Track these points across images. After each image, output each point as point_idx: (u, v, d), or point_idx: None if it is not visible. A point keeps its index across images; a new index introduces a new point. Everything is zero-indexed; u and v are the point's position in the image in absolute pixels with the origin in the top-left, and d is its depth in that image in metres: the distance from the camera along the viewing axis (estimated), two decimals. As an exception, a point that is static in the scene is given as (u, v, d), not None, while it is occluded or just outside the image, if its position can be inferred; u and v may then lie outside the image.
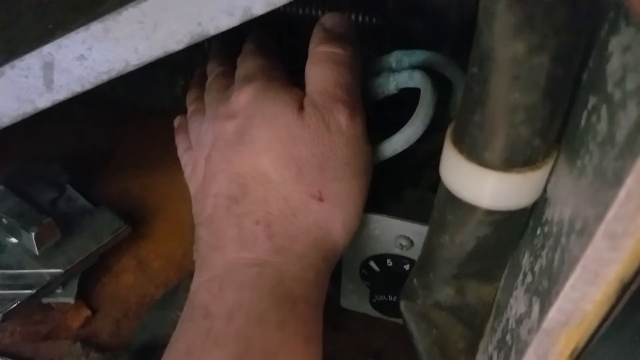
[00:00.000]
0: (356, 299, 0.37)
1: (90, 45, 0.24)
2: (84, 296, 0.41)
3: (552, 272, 0.17)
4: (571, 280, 0.15)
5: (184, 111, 0.37)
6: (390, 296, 0.33)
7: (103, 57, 0.24)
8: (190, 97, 0.37)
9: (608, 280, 0.15)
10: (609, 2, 0.16)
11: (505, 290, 0.23)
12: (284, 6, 0.22)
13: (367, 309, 0.36)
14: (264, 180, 0.27)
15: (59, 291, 0.40)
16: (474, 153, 0.19)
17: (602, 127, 0.15)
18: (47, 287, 0.39)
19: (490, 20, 0.16)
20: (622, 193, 0.13)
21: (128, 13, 0.23)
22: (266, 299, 0.25)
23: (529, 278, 0.20)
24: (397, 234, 0.31)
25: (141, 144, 0.50)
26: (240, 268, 0.26)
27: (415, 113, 0.29)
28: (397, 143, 0.30)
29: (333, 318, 0.39)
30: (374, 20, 0.35)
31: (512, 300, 0.21)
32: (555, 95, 0.17)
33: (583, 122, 0.17)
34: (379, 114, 0.31)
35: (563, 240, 0.17)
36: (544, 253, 0.18)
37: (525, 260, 0.21)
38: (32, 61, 0.24)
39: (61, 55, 0.24)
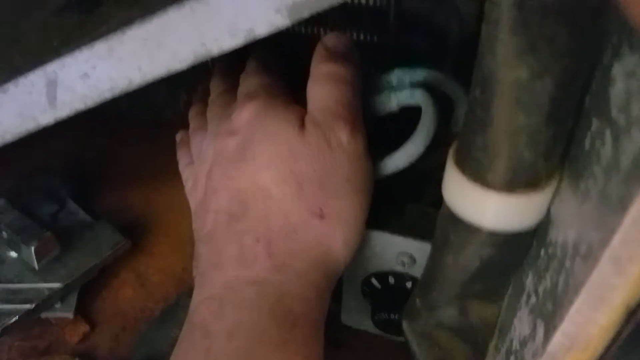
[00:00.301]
0: (358, 317, 0.37)
1: (94, 64, 0.24)
2: (83, 311, 0.41)
3: (556, 295, 0.17)
4: (576, 305, 0.15)
5: (186, 126, 0.37)
6: (392, 314, 0.32)
7: (106, 75, 0.24)
8: (192, 112, 0.37)
9: (614, 306, 0.15)
10: (612, 26, 0.16)
11: (508, 310, 0.23)
12: (287, 25, 0.22)
13: (369, 326, 0.35)
14: (264, 196, 0.27)
15: (57, 306, 0.40)
16: (477, 174, 0.19)
17: (607, 151, 0.15)
18: (46, 301, 0.38)
19: (493, 44, 0.16)
20: (628, 219, 0.13)
21: (132, 33, 0.23)
22: (266, 318, 0.25)
23: (532, 299, 0.20)
24: (398, 250, 0.31)
25: (143, 158, 0.50)
26: (240, 286, 0.26)
27: (416, 130, 0.29)
28: (398, 160, 0.30)
29: (334, 335, 0.38)
30: (375, 38, 0.35)
31: (515, 321, 0.21)
32: (559, 118, 0.17)
33: (587, 144, 0.17)
34: (381, 131, 0.31)
35: (567, 263, 0.17)
36: (548, 275, 0.18)
37: (529, 281, 0.20)
38: (36, 79, 0.24)
39: (65, 73, 0.24)
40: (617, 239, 0.14)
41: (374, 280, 0.34)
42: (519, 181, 0.18)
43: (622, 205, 0.13)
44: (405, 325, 0.27)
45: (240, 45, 0.23)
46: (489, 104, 0.17)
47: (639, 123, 0.13)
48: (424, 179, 0.32)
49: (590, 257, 0.15)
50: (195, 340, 0.25)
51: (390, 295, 0.33)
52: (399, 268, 0.32)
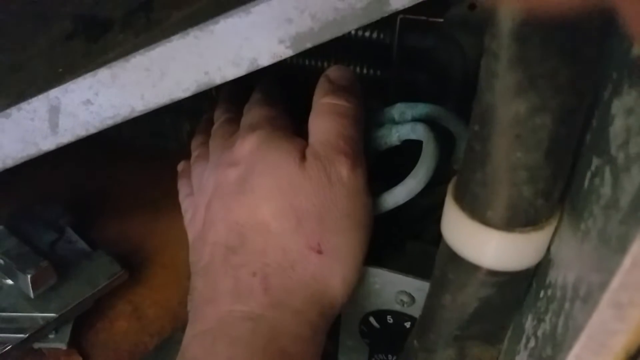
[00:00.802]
0: (355, 358, 0.36)
1: (97, 91, 0.24)
2: (76, 342, 0.40)
3: (556, 338, 0.16)
4: (576, 349, 0.15)
5: (188, 156, 0.37)
6: (390, 355, 0.31)
7: (109, 102, 0.24)
8: (195, 142, 0.37)
9: (614, 351, 0.14)
10: (612, 62, 0.16)
11: (508, 353, 0.22)
12: (290, 57, 0.23)
13: (366, 367, 0.34)
14: (263, 230, 0.27)
15: (51, 336, 0.39)
16: (476, 211, 0.18)
17: (606, 190, 0.15)
18: (40, 331, 0.38)
19: (492, 79, 0.16)
20: (627, 261, 0.13)
21: (136, 60, 0.23)
22: (259, 357, 0.24)
23: (532, 343, 0.19)
24: (398, 289, 0.30)
25: (144, 188, 0.50)
26: (234, 322, 0.25)
27: (417, 165, 0.29)
28: (398, 195, 0.29)
29: (331, 375, 0.37)
30: (378, 72, 0.35)
31: (515, 366, 0.20)
32: (558, 155, 0.16)
33: (586, 183, 0.16)
34: (381, 165, 0.31)
35: (567, 305, 0.16)
36: (547, 318, 0.18)
37: (529, 324, 0.20)
38: (38, 104, 0.25)
39: (68, 100, 0.24)
40: (616, 282, 0.13)
41: (372, 320, 0.33)
42: (519, 219, 0.18)
43: (622, 246, 0.13)
44: (402, 367, 0.26)
45: (243, 74, 0.23)
46: (487, 139, 0.17)
47: (639, 161, 0.13)
48: (425, 215, 0.32)
49: (590, 300, 0.14)
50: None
51: (389, 335, 0.32)
52: (397, 307, 0.31)
